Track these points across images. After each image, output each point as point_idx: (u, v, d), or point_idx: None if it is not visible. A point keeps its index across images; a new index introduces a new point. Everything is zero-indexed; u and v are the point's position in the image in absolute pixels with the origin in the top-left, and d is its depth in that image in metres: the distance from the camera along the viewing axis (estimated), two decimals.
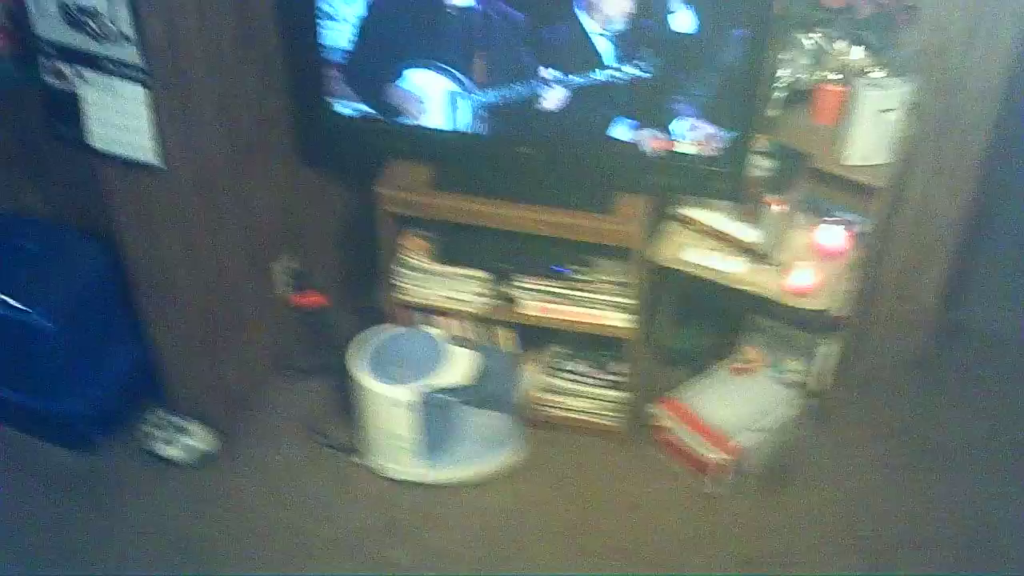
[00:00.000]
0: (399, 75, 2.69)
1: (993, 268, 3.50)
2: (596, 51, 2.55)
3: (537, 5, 2.54)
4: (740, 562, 2.82)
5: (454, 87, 2.67)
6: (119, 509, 2.94)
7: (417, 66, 2.67)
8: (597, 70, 2.57)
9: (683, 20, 2.46)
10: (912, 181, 3.00)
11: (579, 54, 2.55)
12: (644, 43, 2.52)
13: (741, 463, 2.96)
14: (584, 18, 2.51)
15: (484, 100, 2.68)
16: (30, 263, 2.94)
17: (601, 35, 2.52)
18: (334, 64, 2.70)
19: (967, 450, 3.11)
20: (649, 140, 2.63)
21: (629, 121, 2.63)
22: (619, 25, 2.50)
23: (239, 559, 2.83)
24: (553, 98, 2.63)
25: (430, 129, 2.75)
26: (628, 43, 2.52)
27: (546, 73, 2.60)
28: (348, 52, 2.68)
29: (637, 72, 2.55)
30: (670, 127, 2.61)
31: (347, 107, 2.76)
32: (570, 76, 2.59)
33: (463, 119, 2.71)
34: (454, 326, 3.07)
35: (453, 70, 2.66)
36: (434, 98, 2.70)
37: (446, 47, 2.63)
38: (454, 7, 2.55)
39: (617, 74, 2.56)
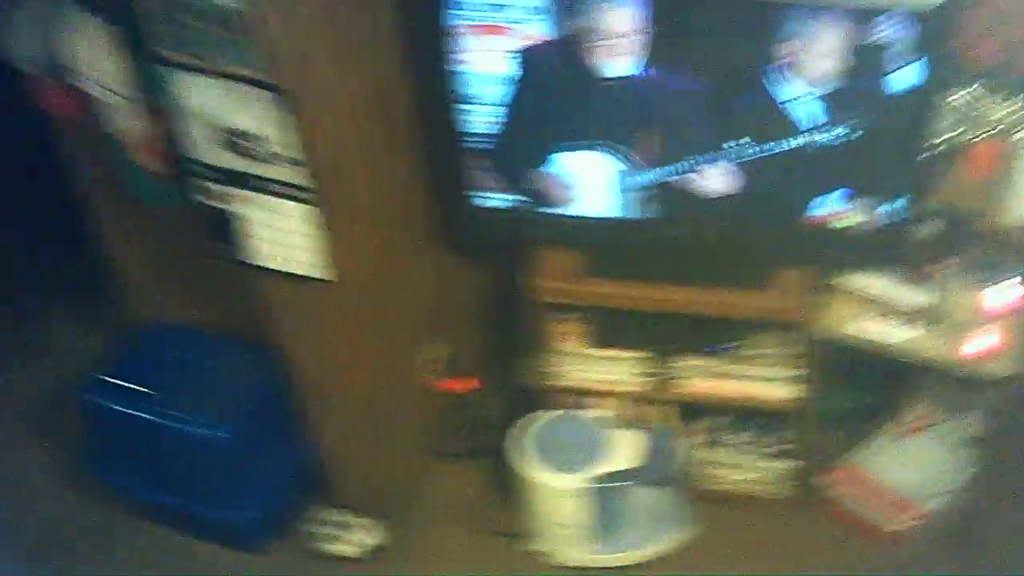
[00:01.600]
0: (548, 159, 2.53)
1: None
2: (790, 117, 2.32)
3: (722, 70, 2.29)
4: None
5: (614, 169, 2.49)
6: None
7: (571, 148, 2.49)
8: (791, 138, 2.35)
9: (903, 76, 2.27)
10: None
11: (769, 122, 2.33)
12: (854, 103, 2.31)
13: (927, 528, 2.81)
14: (781, 82, 2.30)
15: (648, 180, 2.50)
16: (197, 375, 2.97)
17: (798, 99, 2.31)
18: (476, 153, 2.60)
19: None
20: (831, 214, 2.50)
21: (839, 192, 2.45)
22: (826, 86, 2.28)
23: None
24: (728, 175, 2.44)
25: (578, 217, 2.67)
26: (836, 104, 2.30)
27: (728, 146, 2.38)
28: (493, 136, 2.54)
29: (842, 136, 2.33)
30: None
31: (490, 199, 2.69)
32: (758, 146, 2.38)
33: (619, 203, 2.56)
34: (611, 407, 3.00)
35: (613, 150, 2.46)
36: (589, 182, 2.54)
37: (605, 125, 2.42)
38: (614, 79, 2.33)
39: (817, 139, 2.33)
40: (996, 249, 2.71)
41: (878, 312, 2.69)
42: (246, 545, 3.08)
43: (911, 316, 2.64)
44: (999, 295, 2.63)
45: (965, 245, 2.62)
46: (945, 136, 2.66)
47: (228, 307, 3.05)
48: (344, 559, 3.01)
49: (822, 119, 2.33)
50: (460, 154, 2.64)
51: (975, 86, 2.60)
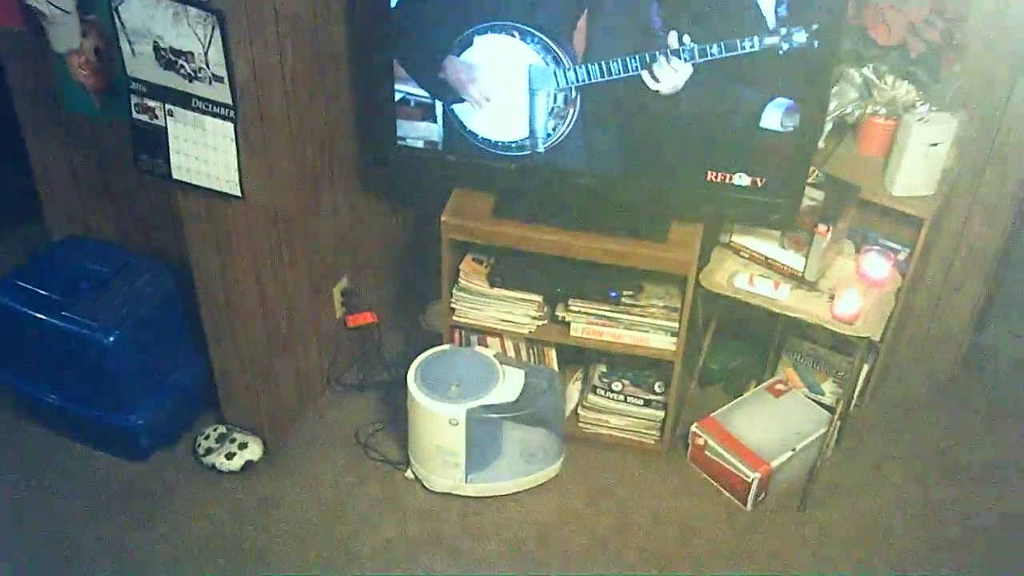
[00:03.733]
0: (465, 44, 2.31)
1: (1017, 292, 3.47)
2: (760, 13, 2.12)
3: None
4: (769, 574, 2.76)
5: (540, 60, 2.28)
6: (170, 516, 2.88)
7: (489, 30, 2.25)
8: (755, 38, 2.15)
9: None
10: (952, 211, 2.94)
11: (734, 16, 2.14)
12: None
13: (772, 482, 2.88)
14: None
15: (580, 78, 2.31)
16: (98, 283, 2.93)
17: None
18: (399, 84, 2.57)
19: (990, 469, 3.06)
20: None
21: (785, 103, 2.30)
22: None
23: (285, 565, 2.76)
24: (673, 76, 2.23)
25: (491, 156, 2.66)
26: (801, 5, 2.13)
27: (674, 40, 2.14)
28: (404, 22, 2.39)
29: (802, 41, 2.14)
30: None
31: (411, 135, 2.68)
32: (710, 46, 2.20)
33: (542, 106, 2.41)
34: (500, 346, 2.99)
35: (542, 36, 2.18)
36: (507, 75, 2.32)
37: (534, 3, 2.17)
38: None
39: (779, 43, 2.13)
40: (874, 220, 2.78)
41: (763, 271, 2.73)
42: (132, 453, 3.01)
43: (793, 276, 2.69)
44: (872, 264, 2.69)
45: (848, 214, 2.67)
46: (838, 109, 2.71)
47: (147, 225, 3.06)
48: (223, 472, 2.95)
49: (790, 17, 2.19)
50: (385, 93, 2.63)
51: (875, 64, 2.66)
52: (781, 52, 2.25)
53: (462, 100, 2.59)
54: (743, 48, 2.24)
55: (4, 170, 3.46)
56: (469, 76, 2.51)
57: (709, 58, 2.27)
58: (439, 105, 2.62)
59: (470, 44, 2.42)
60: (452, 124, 2.64)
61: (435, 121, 2.64)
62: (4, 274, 3.01)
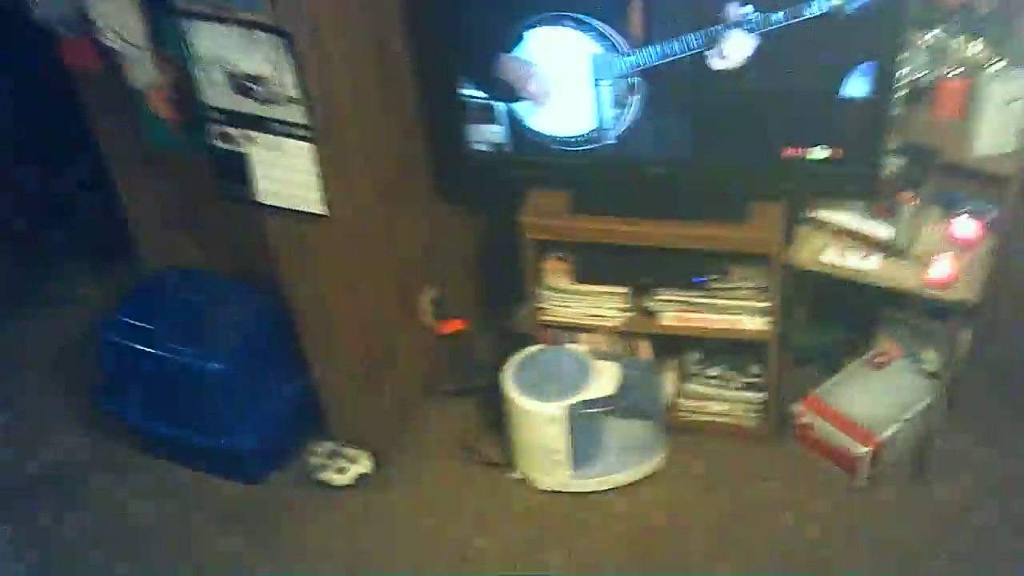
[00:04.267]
0: (517, 40, 2.30)
1: None
2: None
3: None
4: (894, 551, 2.72)
5: (597, 48, 2.26)
6: (288, 536, 2.96)
7: (540, 23, 2.24)
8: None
9: None
10: None
11: None
12: None
13: (883, 455, 2.84)
14: None
15: (641, 63, 2.28)
16: (197, 313, 3.02)
17: None
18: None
19: None
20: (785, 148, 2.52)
21: (858, 67, 2.24)
22: None
23: (403, 571, 2.82)
24: (738, 50, 2.19)
25: (560, 152, 2.69)
26: None
27: (735, 11, 2.09)
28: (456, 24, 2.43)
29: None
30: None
31: (477, 139, 2.73)
32: (773, 13, 2.13)
33: (605, 96, 2.42)
34: (592, 341, 3.01)
35: (596, 22, 2.17)
36: (564, 68, 2.33)
37: None
38: None
39: (844, 3, 2.07)
40: (959, 183, 2.73)
41: (850, 243, 2.70)
42: (246, 475, 3.11)
43: (880, 246, 2.65)
44: (962, 226, 2.64)
45: (930, 179, 2.62)
46: (910, 75, 2.67)
47: (236, 251, 3.13)
48: (336, 487, 3.03)
49: None
50: (454, 100, 2.67)
51: (944, 26, 2.61)
52: (848, 13, 2.19)
53: (522, 98, 2.60)
54: (808, 12, 2.18)
55: (96, 209, 3.55)
56: (526, 72, 2.49)
57: (773, 27, 2.23)
58: (499, 106, 2.64)
59: (521, 39, 2.41)
60: (516, 124, 2.66)
61: (498, 123, 2.67)
62: (106, 310, 3.11)
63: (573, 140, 2.64)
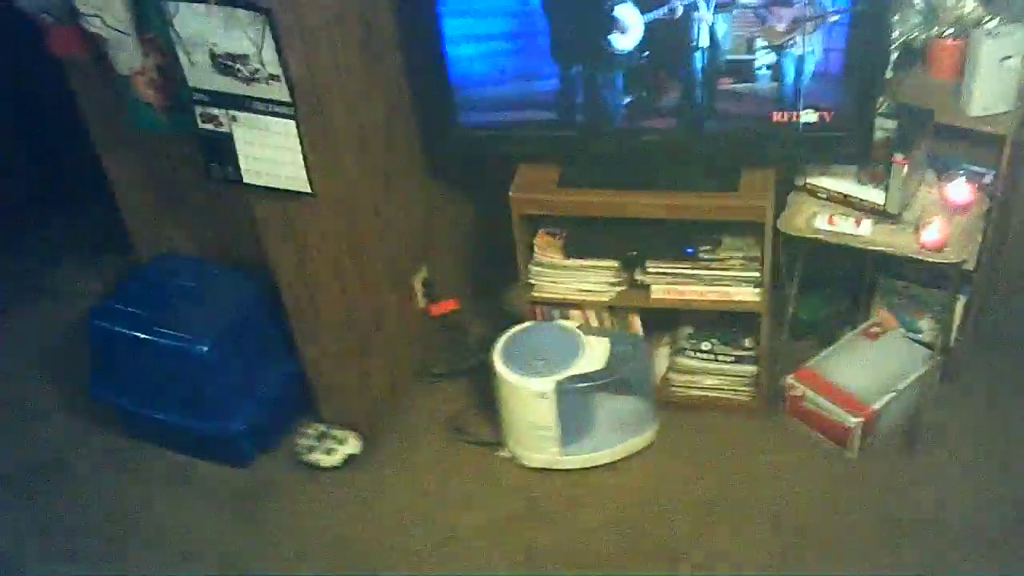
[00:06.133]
0: None
1: None
2: None
3: None
4: (882, 522, 2.66)
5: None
6: (279, 515, 2.90)
7: None
8: None
9: None
10: None
11: None
12: None
13: (877, 425, 2.77)
14: None
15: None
16: (186, 298, 2.99)
17: None
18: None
19: None
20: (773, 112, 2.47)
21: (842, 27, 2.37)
22: None
23: (393, 550, 2.77)
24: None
25: (551, 126, 2.64)
26: None
27: None
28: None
29: None
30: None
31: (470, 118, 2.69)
32: None
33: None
34: (583, 316, 2.95)
35: None
36: None
37: None
38: None
39: None
40: (953, 145, 2.66)
41: (843, 209, 2.63)
42: (234, 458, 3.06)
43: (874, 211, 2.58)
44: (955, 189, 2.58)
45: (923, 141, 2.55)
46: (902, 36, 2.60)
47: (226, 236, 3.10)
48: (325, 469, 2.97)
49: None
50: (437, 76, 2.63)
51: None
52: None
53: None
54: None
55: (89, 201, 3.55)
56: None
57: None
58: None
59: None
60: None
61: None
62: (99, 299, 3.10)
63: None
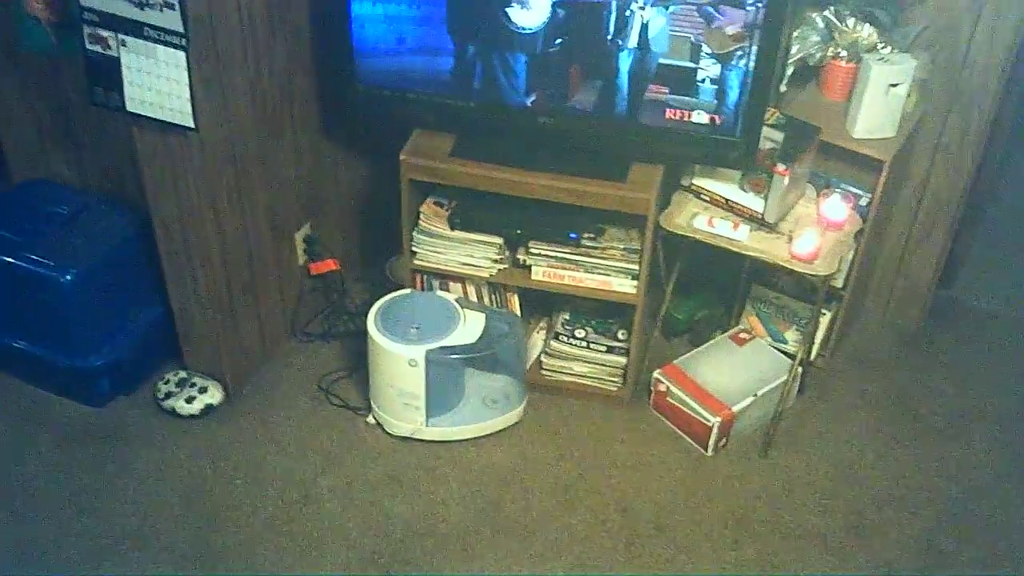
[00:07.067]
0: None
1: (985, 246, 3.44)
2: None
3: None
4: (731, 520, 2.74)
5: None
6: (130, 460, 2.84)
7: None
8: None
9: None
10: (915, 156, 2.90)
11: None
12: None
13: (735, 427, 2.86)
14: None
15: None
16: (57, 225, 2.90)
17: None
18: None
19: (953, 420, 3.03)
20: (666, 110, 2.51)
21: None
22: None
23: (241, 505, 2.74)
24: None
25: (449, 96, 2.64)
26: None
27: None
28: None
29: None
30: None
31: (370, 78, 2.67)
32: None
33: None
34: (466, 291, 2.96)
35: None
36: None
37: None
38: None
39: None
40: (835, 165, 2.75)
41: (723, 213, 2.70)
42: (91, 397, 2.97)
43: (752, 217, 2.66)
44: (831, 206, 2.66)
45: (808, 157, 2.63)
46: (799, 53, 2.68)
47: (108, 167, 3.01)
48: (183, 416, 2.92)
49: None
50: (342, 31, 2.60)
51: (836, 7, 2.62)
52: None
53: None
54: None
55: None
56: None
57: None
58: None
59: None
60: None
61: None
62: None
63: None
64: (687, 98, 2.49)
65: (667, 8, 2.37)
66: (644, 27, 2.40)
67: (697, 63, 2.42)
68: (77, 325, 2.86)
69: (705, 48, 2.40)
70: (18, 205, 2.98)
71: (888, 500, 2.79)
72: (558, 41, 2.50)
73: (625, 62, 2.47)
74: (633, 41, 2.43)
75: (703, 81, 2.44)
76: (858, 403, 3.06)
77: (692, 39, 2.40)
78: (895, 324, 3.28)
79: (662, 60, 2.45)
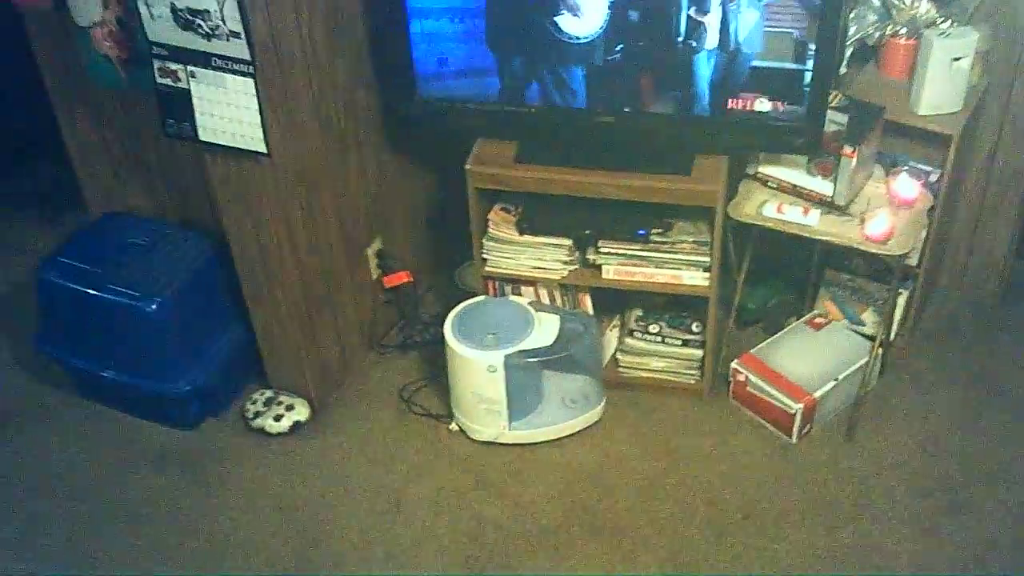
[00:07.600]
0: None
1: None
2: None
3: None
4: (821, 506, 2.73)
5: None
6: (225, 480, 2.92)
7: None
8: None
9: None
10: (983, 131, 2.88)
11: None
12: None
13: (818, 413, 2.85)
14: None
15: None
16: (138, 255, 2.98)
17: None
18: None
19: None
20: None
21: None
22: None
23: (337, 517, 2.79)
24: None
25: (510, 105, 2.68)
26: None
27: None
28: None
29: None
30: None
31: (430, 91, 2.71)
32: None
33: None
34: (535, 293, 3.00)
35: None
36: None
37: None
38: None
39: None
40: (902, 143, 2.74)
41: (792, 199, 2.70)
42: (181, 421, 3.06)
43: (822, 202, 2.65)
44: (901, 184, 2.65)
45: (874, 137, 2.62)
46: (857, 33, 2.67)
47: (182, 195, 3.10)
48: (272, 435, 2.99)
49: None
50: (400, 46, 2.65)
51: None
52: None
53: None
54: None
55: (46, 160, 3.53)
56: None
57: None
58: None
59: None
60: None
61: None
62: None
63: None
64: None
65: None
66: (725, 23, 2.26)
67: (804, 64, 2.29)
68: (164, 352, 2.94)
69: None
70: (98, 239, 3.07)
71: (980, 476, 2.76)
72: (619, 48, 2.50)
73: (705, 67, 2.42)
74: (712, 41, 2.33)
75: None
76: (940, 380, 3.04)
77: (795, 35, 2.28)
78: (972, 298, 3.24)
79: (756, 63, 2.40)
